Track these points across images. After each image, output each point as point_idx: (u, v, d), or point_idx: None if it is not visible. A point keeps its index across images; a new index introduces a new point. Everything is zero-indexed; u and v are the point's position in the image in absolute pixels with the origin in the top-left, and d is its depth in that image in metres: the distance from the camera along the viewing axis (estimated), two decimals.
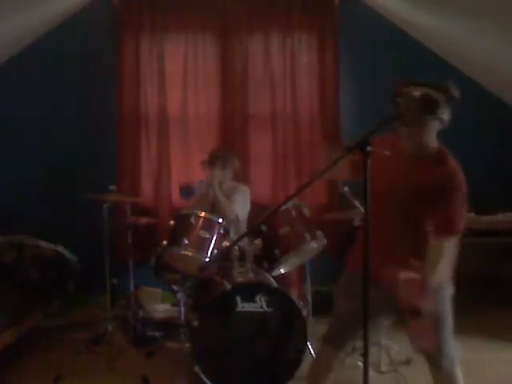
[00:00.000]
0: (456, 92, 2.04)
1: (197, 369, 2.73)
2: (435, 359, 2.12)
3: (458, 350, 2.16)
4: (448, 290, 2.13)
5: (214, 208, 3.43)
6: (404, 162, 2.09)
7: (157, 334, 3.55)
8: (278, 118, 4.44)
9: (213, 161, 3.58)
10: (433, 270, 1.99)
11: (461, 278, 3.84)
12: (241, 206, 3.60)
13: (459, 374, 2.15)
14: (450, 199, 2.05)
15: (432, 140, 2.09)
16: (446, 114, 2.04)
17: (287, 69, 4.43)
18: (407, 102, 1.94)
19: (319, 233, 3.09)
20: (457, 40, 4.10)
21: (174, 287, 3.47)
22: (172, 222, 3.11)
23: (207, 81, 4.44)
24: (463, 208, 2.08)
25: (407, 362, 3.13)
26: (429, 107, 1.98)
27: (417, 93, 1.96)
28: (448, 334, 2.12)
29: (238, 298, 2.78)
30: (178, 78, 4.41)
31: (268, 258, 3.05)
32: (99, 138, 4.43)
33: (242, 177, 4.00)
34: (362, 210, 1.76)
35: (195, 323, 2.76)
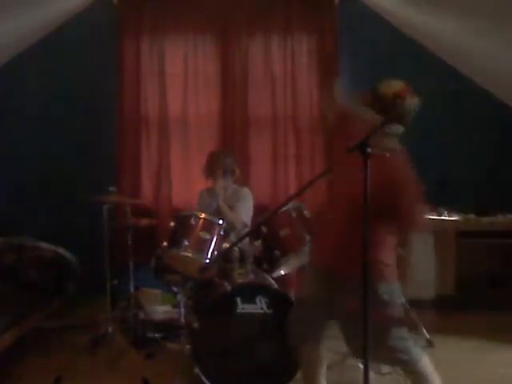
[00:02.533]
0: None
1: (197, 370, 2.73)
2: (405, 365, 2.12)
3: (418, 346, 2.16)
4: (400, 298, 2.14)
5: (219, 216, 3.42)
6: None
7: (157, 335, 3.55)
8: (278, 119, 4.45)
9: (212, 170, 3.57)
10: (407, 270, 2.05)
11: (461, 279, 3.84)
12: (246, 211, 3.61)
13: (430, 368, 2.14)
14: (400, 204, 2.02)
15: (390, 142, 2.10)
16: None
17: (287, 69, 4.44)
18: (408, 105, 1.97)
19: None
20: (456, 40, 4.10)
21: (174, 288, 3.47)
22: (172, 224, 3.11)
23: (207, 82, 4.45)
24: (413, 206, 2.06)
25: None
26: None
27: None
28: (403, 340, 2.11)
29: (238, 300, 2.78)
30: (178, 78, 4.42)
31: (268, 259, 3.04)
32: (99, 139, 4.43)
33: (243, 178, 4.00)
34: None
35: (195, 325, 2.76)
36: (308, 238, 2.96)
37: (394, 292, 2.11)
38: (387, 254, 2.13)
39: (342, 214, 2.12)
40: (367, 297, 1.71)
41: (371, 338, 1.72)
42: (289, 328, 2.37)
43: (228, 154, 3.69)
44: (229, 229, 3.26)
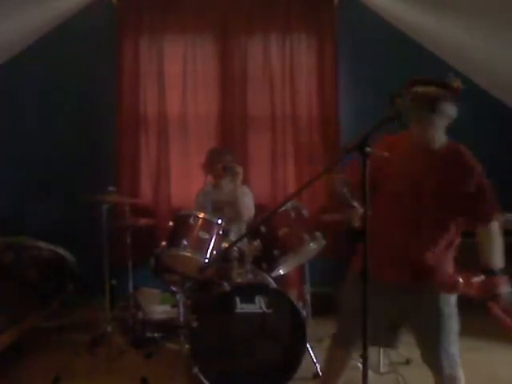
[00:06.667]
0: (457, 84, 2.09)
1: (196, 370, 2.73)
2: (437, 363, 2.13)
3: (458, 354, 2.17)
4: (454, 297, 2.16)
5: (216, 213, 3.42)
6: (418, 160, 2.12)
7: (156, 335, 3.55)
8: (278, 119, 4.44)
9: (212, 166, 3.57)
10: (491, 254, 2.06)
11: None
12: (250, 207, 3.62)
13: (461, 376, 2.17)
14: (479, 189, 2.10)
15: (440, 136, 2.12)
16: (450, 110, 2.07)
17: (286, 69, 4.43)
18: (405, 102, 1.95)
19: (318, 234, 3.08)
20: (456, 40, 4.10)
21: (173, 288, 3.46)
22: (171, 223, 3.11)
23: (206, 81, 4.44)
24: (492, 190, 2.16)
25: (407, 362, 3.13)
26: (428, 104, 1.99)
27: (415, 91, 1.98)
28: (451, 338, 2.15)
29: (238, 299, 2.78)
30: (177, 78, 4.41)
31: (267, 259, 3.04)
32: (98, 139, 4.43)
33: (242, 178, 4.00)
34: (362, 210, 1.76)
35: (194, 324, 2.76)
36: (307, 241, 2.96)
37: (452, 303, 2.16)
38: (451, 260, 2.18)
39: (405, 218, 2.12)
40: (366, 297, 1.71)
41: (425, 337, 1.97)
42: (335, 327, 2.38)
43: (228, 152, 3.70)
44: (234, 220, 3.27)
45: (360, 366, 1.78)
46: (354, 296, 2.19)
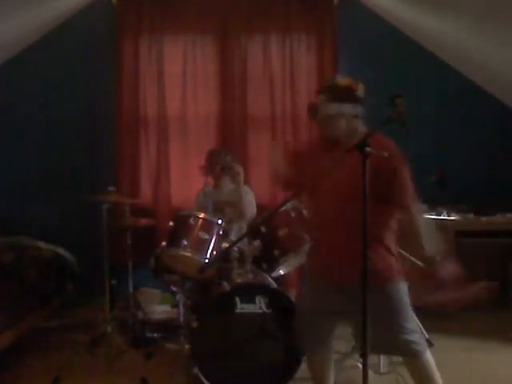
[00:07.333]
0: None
1: (196, 370, 2.73)
2: (408, 349, 2.15)
3: (422, 342, 2.20)
4: (403, 284, 2.18)
5: (217, 213, 3.42)
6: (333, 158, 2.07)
7: (156, 335, 3.55)
8: (277, 119, 4.45)
9: (211, 167, 3.57)
10: (421, 240, 2.03)
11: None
12: (253, 206, 3.62)
13: (430, 362, 2.19)
14: (395, 173, 2.07)
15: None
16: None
17: (286, 69, 4.43)
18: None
19: None
20: (455, 41, 4.10)
21: (173, 288, 3.46)
22: (171, 223, 3.11)
23: (206, 82, 4.45)
24: (408, 173, 2.12)
25: None
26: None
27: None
28: (413, 323, 2.20)
29: (238, 300, 2.78)
30: (177, 78, 4.41)
31: (267, 259, 3.04)
32: (98, 139, 4.44)
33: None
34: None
35: (194, 324, 2.76)
36: (307, 241, 2.96)
37: (403, 290, 2.16)
38: (393, 244, 2.17)
39: (340, 219, 2.12)
40: (366, 297, 1.71)
41: (386, 331, 1.93)
42: (296, 336, 2.41)
43: (228, 152, 3.69)
44: (236, 219, 3.30)
45: (360, 365, 1.78)
46: (311, 296, 2.29)
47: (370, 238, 1.73)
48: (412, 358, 2.18)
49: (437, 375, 2.19)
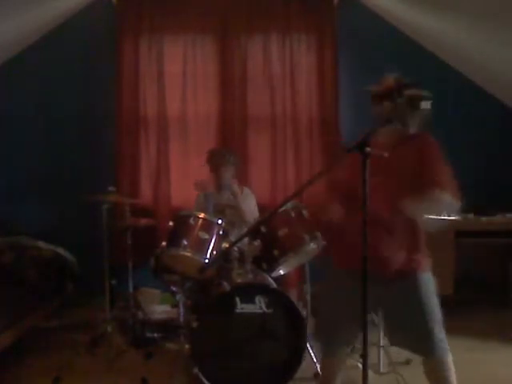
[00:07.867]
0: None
1: (196, 370, 2.73)
2: (428, 348, 2.14)
3: (447, 344, 2.17)
4: (433, 284, 2.19)
5: (218, 215, 3.42)
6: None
7: (156, 335, 3.55)
8: (278, 119, 4.44)
9: (216, 166, 3.59)
10: (415, 201, 2.09)
11: (460, 279, 3.83)
12: (253, 210, 3.64)
13: (451, 365, 2.16)
14: (425, 157, 2.19)
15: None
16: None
17: (286, 69, 4.43)
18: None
19: (318, 234, 3.08)
20: (455, 41, 4.10)
21: (173, 288, 3.47)
22: (171, 223, 3.11)
23: (206, 82, 4.45)
24: (442, 162, 2.22)
25: (407, 362, 3.13)
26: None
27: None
28: (437, 325, 2.16)
29: (238, 299, 2.78)
30: (177, 78, 4.41)
31: (267, 259, 3.03)
32: (98, 139, 4.43)
33: (242, 178, 4.00)
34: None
35: (194, 324, 2.76)
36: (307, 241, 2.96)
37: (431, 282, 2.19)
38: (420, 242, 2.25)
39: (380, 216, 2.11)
40: (366, 297, 1.71)
41: (418, 327, 2.00)
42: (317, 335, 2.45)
43: (231, 153, 3.73)
44: (237, 222, 3.33)
45: (360, 365, 1.78)
46: (336, 293, 2.27)
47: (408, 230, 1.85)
48: (438, 357, 2.14)
49: (453, 377, 2.15)
